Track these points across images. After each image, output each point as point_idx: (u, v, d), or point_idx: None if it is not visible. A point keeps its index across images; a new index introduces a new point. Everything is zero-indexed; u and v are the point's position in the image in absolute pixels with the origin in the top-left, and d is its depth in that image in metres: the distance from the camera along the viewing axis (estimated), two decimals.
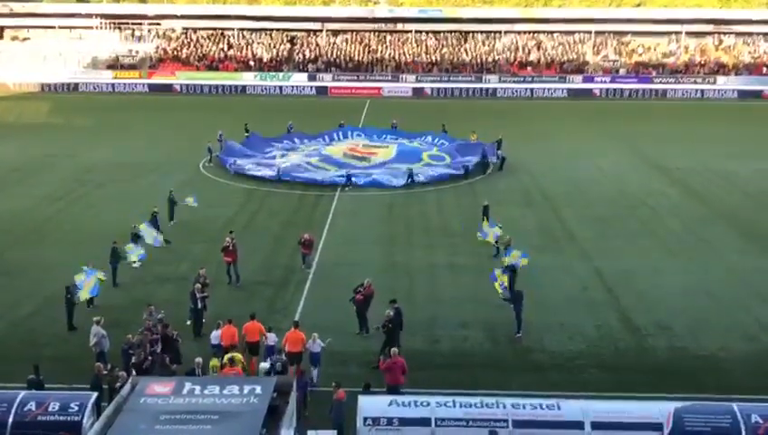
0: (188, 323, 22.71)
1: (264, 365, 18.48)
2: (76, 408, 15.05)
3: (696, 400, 16.65)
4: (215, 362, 18.78)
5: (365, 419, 15.00)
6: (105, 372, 17.75)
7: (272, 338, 20.44)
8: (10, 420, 14.85)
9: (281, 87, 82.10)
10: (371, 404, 15.41)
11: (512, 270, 25.32)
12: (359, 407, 15.22)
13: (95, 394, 15.82)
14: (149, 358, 18.77)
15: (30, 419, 14.87)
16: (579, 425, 14.95)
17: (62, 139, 54.76)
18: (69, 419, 14.90)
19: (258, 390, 14.32)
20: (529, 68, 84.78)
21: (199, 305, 22.69)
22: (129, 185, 41.33)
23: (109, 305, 24.10)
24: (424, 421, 14.97)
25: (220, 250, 27.21)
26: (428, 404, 15.33)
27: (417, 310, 23.88)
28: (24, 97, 78.13)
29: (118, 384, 16.60)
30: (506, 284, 23.98)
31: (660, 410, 15.31)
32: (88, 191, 40.05)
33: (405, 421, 14.97)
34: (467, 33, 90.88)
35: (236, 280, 26.83)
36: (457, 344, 22.38)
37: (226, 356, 18.79)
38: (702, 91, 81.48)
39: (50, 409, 15.02)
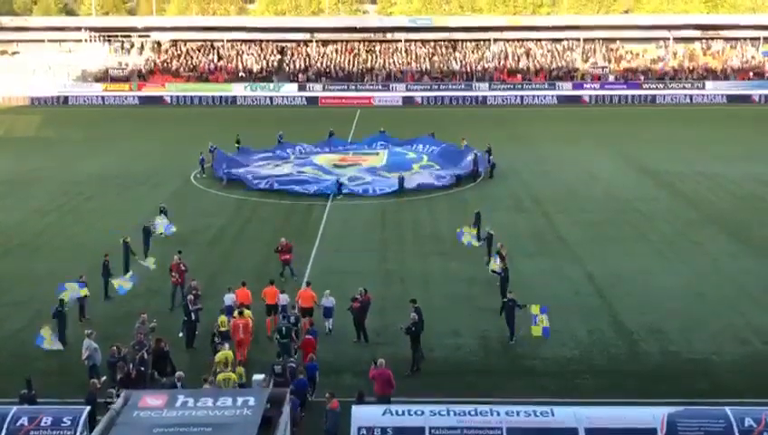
0: (180, 335, 22.60)
1: (259, 377, 18.43)
2: (69, 422, 14.95)
3: (689, 404, 16.65)
4: (223, 318, 21.41)
5: (359, 428, 14.95)
6: (99, 387, 17.67)
7: (284, 298, 23.17)
8: None
9: (271, 98, 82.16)
10: (365, 414, 15.37)
11: (503, 277, 25.41)
12: (352, 417, 15.19)
13: (88, 408, 15.73)
14: (137, 369, 18.65)
15: (22, 434, 14.78)
16: (573, 431, 14.95)
17: (52, 152, 54.61)
18: (62, 433, 14.80)
19: (251, 401, 14.28)
20: (518, 75, 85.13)
21: (193, 317, 22.58)
22: (119, 197, 41.22)
23: (100, 319, 24.02)
24: (418, 431, 14.93)
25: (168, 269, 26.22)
26: (422, 413, 15.29)
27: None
28: (13, 110, 77.87)
29: (111, 399, 16.51)
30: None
31: (654, 415, 15.33)
32: (78, 204, 39.93)
33: (399, 431, 14.93)
34: (457, 41, 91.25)
35: (177, 304, 24.83)
36: (450, 352, 22.37)
37: (236, 311, 21.43)
38: (691, 96, 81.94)
39: (42, 423, 14.91)
